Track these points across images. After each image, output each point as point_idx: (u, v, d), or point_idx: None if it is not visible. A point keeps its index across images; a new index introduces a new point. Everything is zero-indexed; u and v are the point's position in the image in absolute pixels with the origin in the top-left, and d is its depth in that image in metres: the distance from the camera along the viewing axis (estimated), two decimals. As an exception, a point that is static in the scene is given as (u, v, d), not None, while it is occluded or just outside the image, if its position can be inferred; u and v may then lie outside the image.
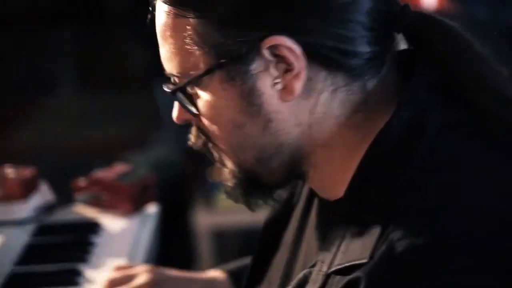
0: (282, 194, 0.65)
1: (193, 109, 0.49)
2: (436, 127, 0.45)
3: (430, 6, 1.91)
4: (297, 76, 0.44)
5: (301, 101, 0.46)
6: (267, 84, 0.46)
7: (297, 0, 0.46)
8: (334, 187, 0.50)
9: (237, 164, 0.51)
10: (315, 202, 0.58)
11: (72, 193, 1.00)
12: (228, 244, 2.30)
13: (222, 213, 1.96)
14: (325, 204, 0.54)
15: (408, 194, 0.43)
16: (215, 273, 0.83)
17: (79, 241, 0.96)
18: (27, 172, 0.99)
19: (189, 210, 2.04)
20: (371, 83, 0.47)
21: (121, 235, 0.99)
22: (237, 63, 0.45)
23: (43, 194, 1.02)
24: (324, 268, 0.46)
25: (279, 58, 0.44)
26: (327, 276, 0.45)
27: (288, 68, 0.44)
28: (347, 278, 0.41)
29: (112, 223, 1.01)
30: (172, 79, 0.50)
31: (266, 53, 0.44)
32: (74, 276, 0.84)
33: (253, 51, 0.44)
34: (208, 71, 0.46)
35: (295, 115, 0.47)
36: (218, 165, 0.55)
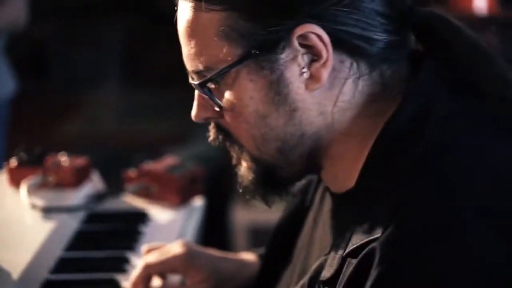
0: (294, 191, 0.67)
1: (219, 103, 0.50)
2: (442, 115, 0.47)
3: (481, 10, 2.01)
4: (324, 64, 0.45)
5: (325, 90, 0.48)
6: (295, 74, 0.47)
7: None
8: (347, 178, 0.51)
9: (257, 158, 0.52)
10: (327, 199, 0.59)
11: (122, 183, 1.03)
12: (264, 241, 2.39)
13: (259, 209, 1.98)
14: (337, 198, 0.55)
15: (415, 179, 0.45)
16: (247, 255, 0.85)
17: (128, 229, 0.99)
18: (80, 161, 1.03)
19: (227, 206, 2.09)
20: (388, 73, 0.49)
21: (168, 226, 1.02)
22: (268, 52, 0.46)
23: (94, 183, 1.07)
24: (340, 252, 0.47)
25: (307, 48, 0.46)
26: (343, 259, 0.46)
27: (314, 58, 0.46)
28: (362, 253, 0.42)
29: (160, 214, 1.04)
30: (192, 76, 0.51)
31: (295, 42, 0.45)
32: (122, 263, 0.87)
33: (284, 40, 0.46)
34: (238, 62, 0.47)
35: (319, 104, 0.49)
36: (234, 162, 0.57)
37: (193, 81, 0.52)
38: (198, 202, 1.07)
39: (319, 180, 0.66)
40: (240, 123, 0.53)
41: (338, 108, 0.51)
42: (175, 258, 0.76)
